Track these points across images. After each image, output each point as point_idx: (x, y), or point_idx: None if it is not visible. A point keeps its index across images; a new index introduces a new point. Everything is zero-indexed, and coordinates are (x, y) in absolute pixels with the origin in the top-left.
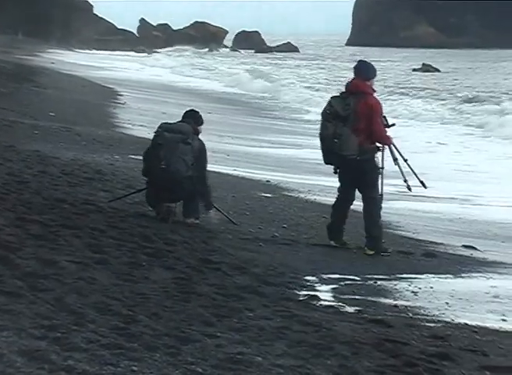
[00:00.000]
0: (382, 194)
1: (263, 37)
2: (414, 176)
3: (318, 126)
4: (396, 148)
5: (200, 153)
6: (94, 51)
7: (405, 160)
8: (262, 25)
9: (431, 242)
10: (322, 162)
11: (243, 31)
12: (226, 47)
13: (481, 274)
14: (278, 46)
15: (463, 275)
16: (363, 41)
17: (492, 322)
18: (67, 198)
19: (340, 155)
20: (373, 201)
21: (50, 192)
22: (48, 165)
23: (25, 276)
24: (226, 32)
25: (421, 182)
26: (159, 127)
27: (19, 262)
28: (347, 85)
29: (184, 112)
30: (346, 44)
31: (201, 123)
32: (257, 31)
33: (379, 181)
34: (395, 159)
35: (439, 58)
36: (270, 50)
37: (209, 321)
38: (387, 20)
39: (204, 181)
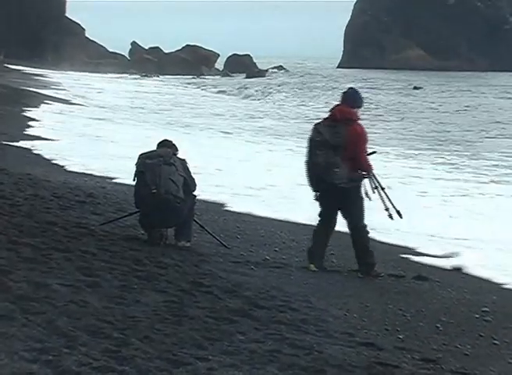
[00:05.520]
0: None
1: (254, 60)
2: (391, 205)
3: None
4: (375, 176)
5: (185, 171)
6: (86, 74)
7: (382, 189)
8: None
9: (422, 265)
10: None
11: (235, 54)
12: (218, 70)
13: (471, 297)
14: (268, 69)
15: (453, 297)
16: (354, 63)
17: (483, 344)
18: (58, 221)
19: (331, 183)
20: (360, 229)
21: (41, 215)
22: (40, 188)
23: (17, 299)
24: (218, 55)
25: (398, 212)
26: (138, 158)
27: (10, 284)
28: (332, 111)
29: (158, 142)
30: (338, 67)
31: (177, 149)
32: (248, 54)
33: (364, 209)
34: (375, 187)
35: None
36: (262, 74)
37: (201, 344)
38: (378, 43)
39: (192, 208)
